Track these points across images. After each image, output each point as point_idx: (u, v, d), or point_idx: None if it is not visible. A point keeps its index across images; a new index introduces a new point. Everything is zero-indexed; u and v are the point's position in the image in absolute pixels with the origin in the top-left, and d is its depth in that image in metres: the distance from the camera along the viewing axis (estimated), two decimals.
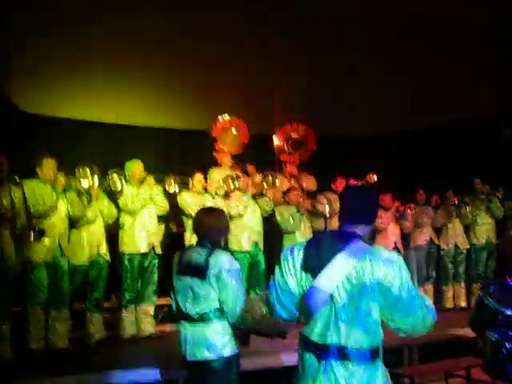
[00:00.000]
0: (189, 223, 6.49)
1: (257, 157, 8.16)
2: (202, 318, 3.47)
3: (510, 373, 3.27)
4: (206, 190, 6.87)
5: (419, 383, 5.55)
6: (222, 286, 3.43)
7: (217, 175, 7.17)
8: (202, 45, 7.52)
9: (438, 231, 8.48)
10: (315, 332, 2.56)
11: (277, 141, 8.39)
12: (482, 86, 8.46)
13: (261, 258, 7.00)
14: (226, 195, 6.84)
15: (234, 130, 7.91)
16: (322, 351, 2.52)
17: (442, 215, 8.34)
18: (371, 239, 8.80)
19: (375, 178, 8.12)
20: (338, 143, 10.62)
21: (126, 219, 6.35)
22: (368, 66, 8.14)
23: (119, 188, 6.13)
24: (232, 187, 6.75)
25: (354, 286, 2.47)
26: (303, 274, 2.58)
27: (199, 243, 3.63)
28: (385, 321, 2.56)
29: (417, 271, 8.13)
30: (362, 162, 9.69)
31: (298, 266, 2.59)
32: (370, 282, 2.45)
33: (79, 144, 9.09)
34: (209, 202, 6.65)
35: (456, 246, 8.45)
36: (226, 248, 3.70)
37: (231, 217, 6.85)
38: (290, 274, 2.62)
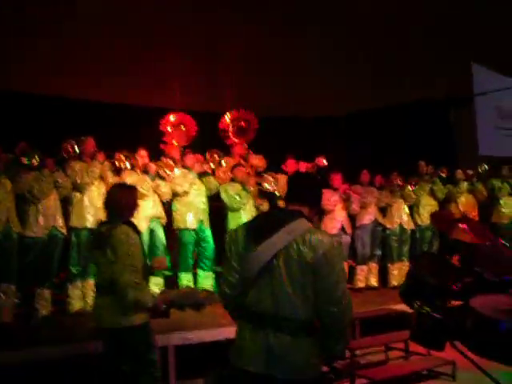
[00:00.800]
0: None
1: (206, 136, 8.11)
2: (110, 289, 3.52)
3: (437, 341, 3.43)
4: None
5: (361, 355, 5.78)
6: (115, 257, 3.49)
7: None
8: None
9: (384, 212, 8.67)
10: (252, 301, 2.62)
11: (222, 126, 8.35)
12: (429, 71, 8.66)
13: (208, 234, 7.09)
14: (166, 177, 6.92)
15: (182, 127, 7.95)
16: (258, 320, 2.59)
17: (386, 195, 8.51)
18: (317, 220, 8.87)
19: (324, 161, 8.26)
20: (289, 125, 10.69)
21: (74, 194, 6.34)
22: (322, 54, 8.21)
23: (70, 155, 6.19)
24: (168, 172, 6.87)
25: (291, 259, 2.54)
26: (247, 245, 2.65)
27: (107, 217, 3.70)
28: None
29: (361, 250, 8.31)
30: (311, 145, 9.79)
31: (243, 242, 2.68)
32: (305, 257, 2.53)
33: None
34: (147, 182, 6.75)
35: (401, 225, 8.62)
36: (129, 222, 3.70)
37: (177, 194, 6.92)
38: (235, 250, 2.70)
